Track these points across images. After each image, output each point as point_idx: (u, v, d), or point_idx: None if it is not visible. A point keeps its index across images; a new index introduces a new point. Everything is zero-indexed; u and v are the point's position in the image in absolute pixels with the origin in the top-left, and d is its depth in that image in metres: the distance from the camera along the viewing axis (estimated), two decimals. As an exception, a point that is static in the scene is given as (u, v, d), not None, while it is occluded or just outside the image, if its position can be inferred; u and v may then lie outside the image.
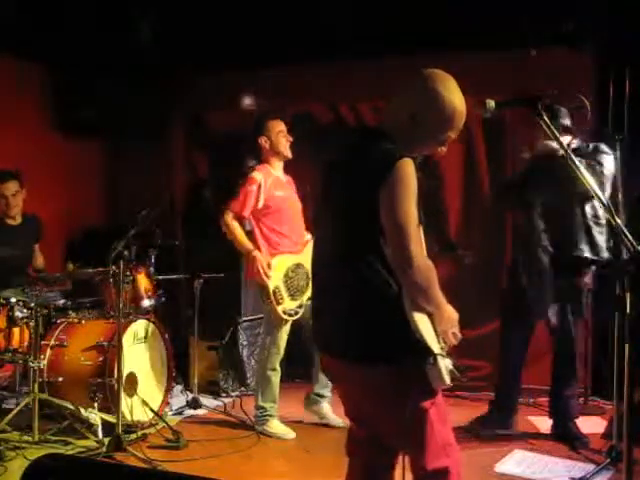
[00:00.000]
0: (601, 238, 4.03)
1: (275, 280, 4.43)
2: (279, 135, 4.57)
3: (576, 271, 4.17)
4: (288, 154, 4.60)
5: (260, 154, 4.66)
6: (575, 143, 4.02)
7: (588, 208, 3.97)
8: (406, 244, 2.15)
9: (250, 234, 4.60)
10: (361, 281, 2.21)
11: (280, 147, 4.58)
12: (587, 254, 4.02)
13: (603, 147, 4.05)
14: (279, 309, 4.41)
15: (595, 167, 3.98)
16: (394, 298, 2.18)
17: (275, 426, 4.51)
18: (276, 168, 4.63)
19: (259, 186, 4.47)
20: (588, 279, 4.29)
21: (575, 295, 4.23)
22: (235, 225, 4.51)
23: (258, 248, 4.48)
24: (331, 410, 4.64)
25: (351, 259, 2.22)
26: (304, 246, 4.55)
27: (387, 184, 2.14)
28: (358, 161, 2.27)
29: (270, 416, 4.52)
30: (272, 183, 4.54)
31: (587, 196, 3.79)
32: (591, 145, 4.09)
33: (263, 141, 4.59)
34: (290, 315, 4.45)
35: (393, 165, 2.14)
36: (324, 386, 4.61)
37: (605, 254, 4.03)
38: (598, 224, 3.99)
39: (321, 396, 4.66)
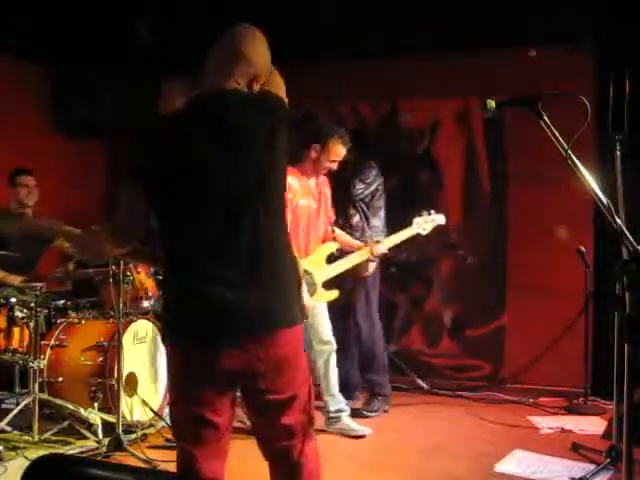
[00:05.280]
0: None
1: None
2: (332, 162, 4.43)
3: None
4: (317, 176, 4.52)
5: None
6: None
7: None
8: None
9: None
10: (280, 246, 2.18)
11: (321, 168, 4.45)
12: None
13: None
14: None
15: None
16: (292, 256, 2.23)
17: None
18: (308, 175, 4.50)
19: (295, 194, 4.34)
20: None
21: None
22: None
23: None
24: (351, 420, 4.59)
25: (266, 230, 2.12)
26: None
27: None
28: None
29: None
30: (301, 190, 4.41)
31: None
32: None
33: (314, 149, 4.40)
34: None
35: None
36: (340, 401, 4.57)
37: None
38: None
39: (341, 411, 4.57)
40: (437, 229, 4.76)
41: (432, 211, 4.70)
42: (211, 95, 2.16)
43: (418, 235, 4.67)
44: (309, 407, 2.22)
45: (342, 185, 4.95)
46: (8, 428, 4.13)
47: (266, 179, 2.12)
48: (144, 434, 4.30)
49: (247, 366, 2.09)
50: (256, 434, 2.24)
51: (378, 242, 4.62)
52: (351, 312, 5.10)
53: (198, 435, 2.14)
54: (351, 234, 4.86)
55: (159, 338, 4.72)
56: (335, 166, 4.48)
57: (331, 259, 4.51)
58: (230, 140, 2.09)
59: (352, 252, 4.59)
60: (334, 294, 4.43)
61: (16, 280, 4.67)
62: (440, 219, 4.69)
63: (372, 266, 4.99)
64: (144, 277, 4.79)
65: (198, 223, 2.09)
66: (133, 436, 4.18)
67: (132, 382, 4.45)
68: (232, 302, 2.06)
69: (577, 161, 2.14)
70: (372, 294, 5.08)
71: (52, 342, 4.44)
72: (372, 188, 5.04)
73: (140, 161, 2.16)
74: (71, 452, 3.92)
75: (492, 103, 2.27)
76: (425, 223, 4.63)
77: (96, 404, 4.23)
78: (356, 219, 5.02)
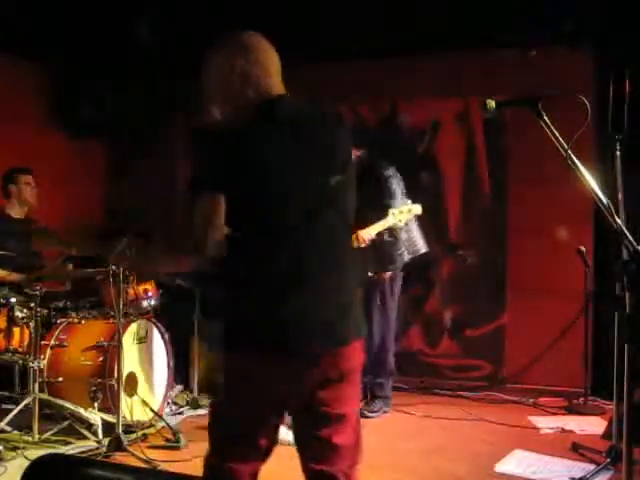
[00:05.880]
0: None
1: None
2: None
3: None
4: None
5: None
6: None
7: None
8: None
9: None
10: (350, 260, 2.19)
11: None
12: None
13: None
14: None
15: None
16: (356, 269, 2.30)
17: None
18: None
19: None
20: None
21: None
22: None
23: None
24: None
25: (341, 242, 2.17)
26: None
27: None
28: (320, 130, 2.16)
29: None
30: None
31: None
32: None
33: None
34: None
35: None
36: None
37: None
38: None
39: None
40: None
41: (409, 201, 4.69)
42: (278, 102, 2.14)
43: (395, 226, 4.66)
44: (359, 428, 2.17)
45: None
46: (8, 428, 4.13)
47: (342, 195, 2.13)
48: (144, 434, 4.30)
49: (317, 378, 2.06)
50: (303, 454, 2.16)
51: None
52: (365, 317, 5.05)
53: (248, 452, 2.10)
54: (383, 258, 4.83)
55: (159, 338, 4.73)
56: None
57: None
58: (310, 153, 2.09)
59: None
60: None
61: (17, 279, 4.68)
62: (417, 209, 4.65)
63: (388, 274, 4.95)
64: (144, 277, 4.79)
65: (277, 235, 2.05)
66: (133, 436, 4.18)
67: (132, 382, 4.45)
68: (313, 314, 2.05)
69: (577, 161, 2.13)
70: (389, 300, 4.99)
71: (52, 342, 4.44)
72: (398, 198, 4.91)
73: (217, 172, 2.04)
74: (71, 452, 3.92)
75: (492, 103, 2.26)
76: (401, 214, 4.61)
77: (96, 404, 4.23)
78: (386, 236, 4.85)
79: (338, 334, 2.09)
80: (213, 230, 2.02)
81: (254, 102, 2.13)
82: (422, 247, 4.99)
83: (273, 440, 2.15)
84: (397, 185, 4.94)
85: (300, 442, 2.17)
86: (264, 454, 2.14)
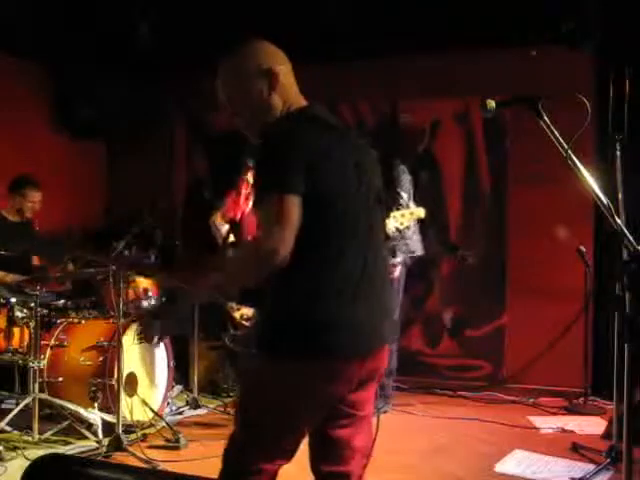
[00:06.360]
0: None
1: None
2: None
3: None
4: None
5: None
6: None
7: None
8: None
9: None
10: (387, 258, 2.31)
11: None
12: None
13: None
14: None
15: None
16: None
17: None
18: None
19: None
20: None
21: None
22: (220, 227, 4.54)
23: None
24: None
25: (383, 243, 2.23)
26: None
27: None
28: (363, 146, 2.23)
29: None
30: None
31: None
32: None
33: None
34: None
35: None
36: None
37: None
38: None
39: None
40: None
41: (411, 204, 4.67)
42: (316, 108, 2.15)
43: (396, 229, 4.56)
44: (373, 430, 2.18)
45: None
46: (8, 428, 4.13)
47: (382, 194, 2.19)
48: (144, 434, 4.30)
49: (358, 379, 2.04)
50: (316, 454, 2.14)
51: None
52: None
53: (277, 454, 2.06)
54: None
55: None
56: None
57: None
58: (360, 154, 2.14)
59: None
60: None
61: (16, 280, 4.68)
62: (419, 212, 4.58)
63: (396, 271, 4.94)
64: (144, 277, 4.78)
65: (346, 237, 2.02)
66: (133, 436, 4.18)
67: (132, 382, 4.45)
68: (370, 315, 2.03)
69: (577, 161, 2.13)
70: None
71: (52, 342, 4.45)
72: (412, 191, 4.90)
73: (296, 173, 1.94)
74: (71, 452, 3.92)
75: (492, 103, 2.26)
76: (402, 217, 4.52)
77: (96, 404, 4.23)
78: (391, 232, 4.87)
79: (385, 335, 2.11)
80: (289, 231, 1.91)
81: (283, 109, 2.11)
82: (418, 249, 4.98)
83: (300, 443, 2.11)
84: (409, 184, 4.93)
85: (316, 442, 2.13)
86: (290, 456, 2.10)
